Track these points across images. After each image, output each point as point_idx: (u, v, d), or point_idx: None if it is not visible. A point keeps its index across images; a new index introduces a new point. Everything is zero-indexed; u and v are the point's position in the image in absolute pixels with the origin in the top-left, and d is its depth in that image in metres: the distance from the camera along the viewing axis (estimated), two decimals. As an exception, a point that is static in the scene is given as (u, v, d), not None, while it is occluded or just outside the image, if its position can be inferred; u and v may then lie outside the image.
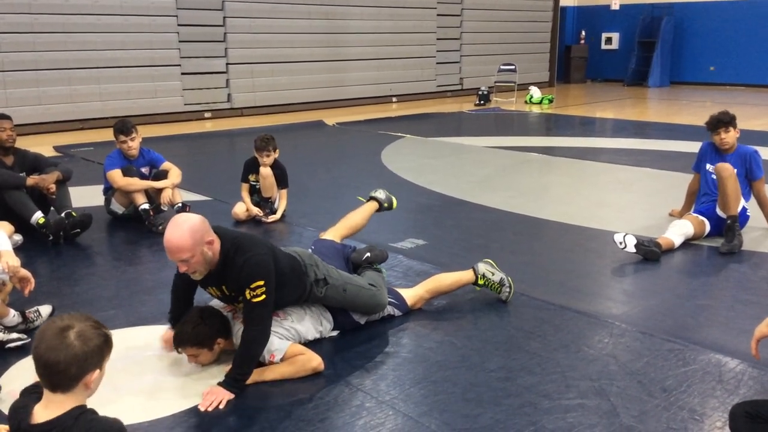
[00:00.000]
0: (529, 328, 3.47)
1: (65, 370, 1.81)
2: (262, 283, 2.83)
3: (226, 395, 2.78)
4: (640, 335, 3.38)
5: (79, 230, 4.91)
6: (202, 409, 2.72)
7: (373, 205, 4.29)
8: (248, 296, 2.85)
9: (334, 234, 3.95)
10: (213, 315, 3.06)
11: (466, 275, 3.79)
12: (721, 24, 17.52)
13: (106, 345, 1.90)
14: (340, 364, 3.11)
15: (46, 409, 1.86)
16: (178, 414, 2.72)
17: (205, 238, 2.81)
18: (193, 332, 2.96)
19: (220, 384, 2.82)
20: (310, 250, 3.53)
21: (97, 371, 1.88)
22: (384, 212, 4.37)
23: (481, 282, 3.77)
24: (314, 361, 2.99)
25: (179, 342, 3.00)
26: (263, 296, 2.84)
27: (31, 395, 1.96)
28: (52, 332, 1.83)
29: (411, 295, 3.67)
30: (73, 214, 4.91)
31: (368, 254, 3.68)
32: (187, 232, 2.76)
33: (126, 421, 1.97)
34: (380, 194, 4.33)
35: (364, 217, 4.20)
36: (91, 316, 1.93)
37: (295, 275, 3.13)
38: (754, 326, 3.48)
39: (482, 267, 3.80)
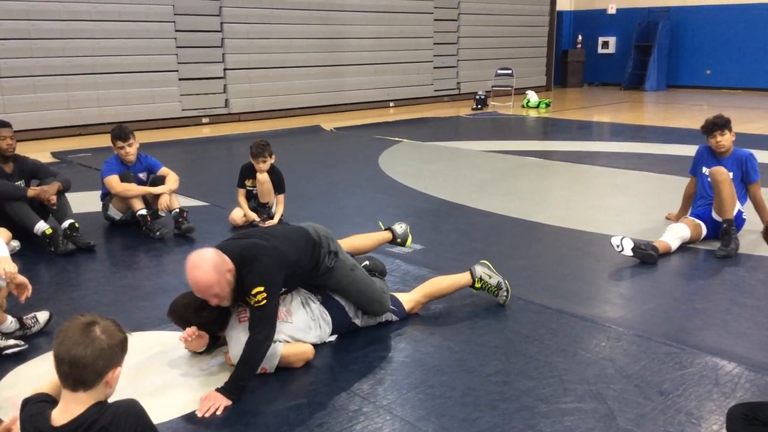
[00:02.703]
0: (526, 332, 3.48)
1: (92, 363, 1.84)
2: (261, 289, 2.90)
3: (224, 401, 2.78)
4: (637, 339, 3.38)
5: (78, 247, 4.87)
6: (200, 414, 2.73)
7: (388, 235, 4.37)
8: (251, 302, 2.93)
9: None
10: (211, 310, 3.08)
11: (463, 278, 3.80)
12: (717, 28, 17.57)
13: (125, 343, 1.96)
14: (337, 368, 3.11)
15: (66, 411, 1.87)
16: (175, 420, 2.72)
17: (226, 267, 2.91)
18: (180, 310, 3.09)
19: (218, 390, 2.83)
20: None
21: (119, 368, 1.92)
22: (383, 216, 4.38)
23: (478, 285, 3.78)
24: (308, 354, 3.14)
25: (169, 311, 3.14)
26: (264, 301, 2.91)
27: (40, 403, 1.95)
28: (77, 328, 1.86)
29: (408, 299, 3.67)
30: (76, 225, 4.91)
31: (366, 262, 3.69)
32: (210, 269, 2.86)
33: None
34: (399, 229, 4.43)
35: (373, 244, 4.24)
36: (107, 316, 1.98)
37: (308, 247, 3.22)
38: (751, 329, 3.51)
39: (479, 270, 3.80)
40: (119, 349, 1.92)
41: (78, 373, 1.84)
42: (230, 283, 2.93)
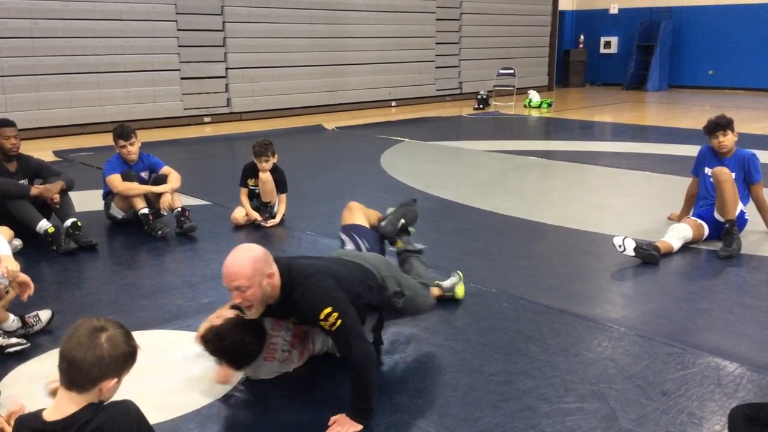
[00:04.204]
0: (528, 331, 3.47)
1: (88, 369, 1.82)
2: (329, 309, 2.65)
3: (353, 426, 2.60)
4: (639, 339, 3.38)
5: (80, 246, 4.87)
6: None
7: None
8: (326, 327, 2.68)
9: (365, 219, 3.71)
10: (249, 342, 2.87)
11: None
12: (720, 28, 17.56)
13: (131, 357, 1.91)
14: (339, 368, 3.09)
15: (59, 408, 1.86)
16: (176, 419, 2.72)
17: (266, 270, 2.67)
18: (221, 346, 2.85)
19: (347, 415, 2.63)
20: (386, 257, 3.41)
21: (115, 380, 1.89)
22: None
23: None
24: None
25: (205, 339, 2.88)
26: (340, 321, 2.65)
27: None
28: (85, 330, 1.84)
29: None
30: (79, 224, 4.91)
31: (402, 221, 3.63)
32: (248, 261, 2.63)
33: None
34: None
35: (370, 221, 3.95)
36: (124, 325, 1.93)
37: (369, 287, 2.98)
38: (752, 330, 3.51)
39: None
40: (120, 361, 1.87)
41: (72, 373, 1.83)
42: (264, 288, 2.67)
